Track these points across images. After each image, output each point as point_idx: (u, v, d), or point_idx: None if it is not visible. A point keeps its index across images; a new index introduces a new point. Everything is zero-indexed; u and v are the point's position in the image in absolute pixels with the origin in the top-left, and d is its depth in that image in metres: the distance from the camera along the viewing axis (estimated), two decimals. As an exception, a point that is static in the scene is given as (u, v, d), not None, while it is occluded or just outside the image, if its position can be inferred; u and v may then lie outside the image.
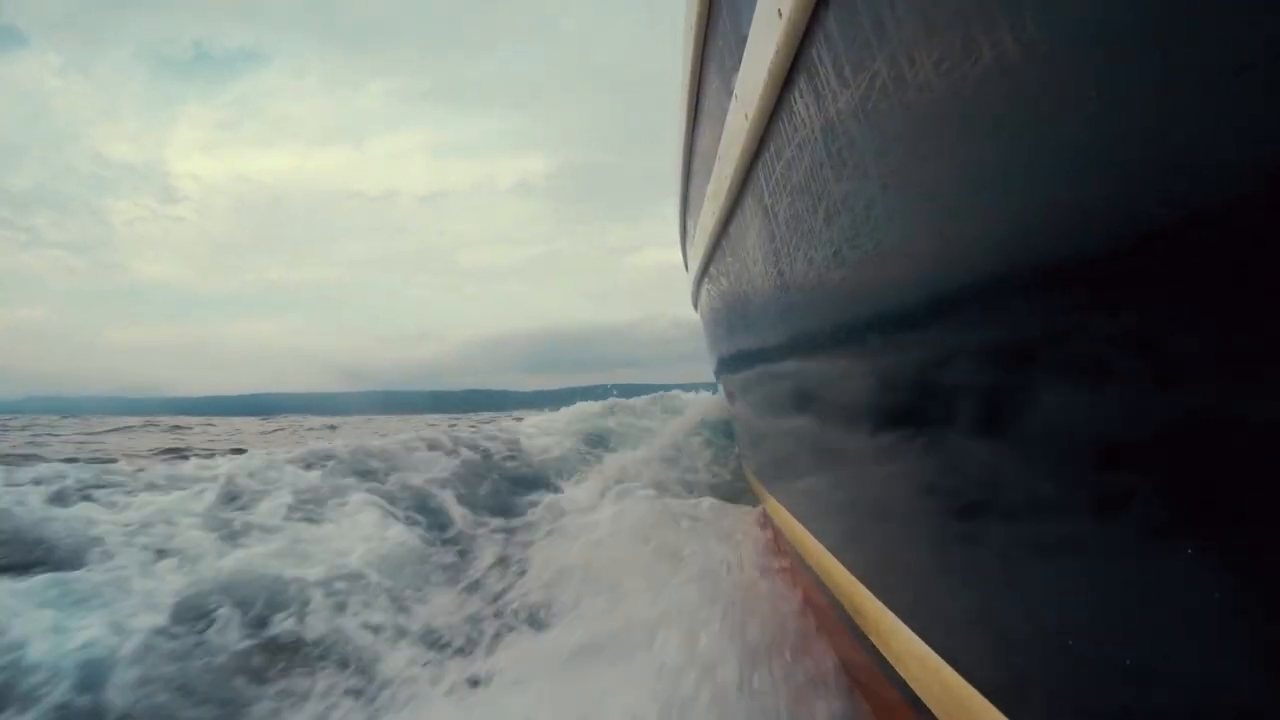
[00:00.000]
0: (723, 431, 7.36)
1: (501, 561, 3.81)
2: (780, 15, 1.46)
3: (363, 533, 3.76)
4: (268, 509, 4.01)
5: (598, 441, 7.94)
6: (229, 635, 2.59)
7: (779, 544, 3.43)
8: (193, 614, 2.66)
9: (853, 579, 2.11)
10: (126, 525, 3.46)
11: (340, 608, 2.90)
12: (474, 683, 2.50)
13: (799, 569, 2.92)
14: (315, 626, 2.75)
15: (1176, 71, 0.69)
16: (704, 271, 4.13)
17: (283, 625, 2.73)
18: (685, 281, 5.78)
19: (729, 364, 4.41)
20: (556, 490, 5.76)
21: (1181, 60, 0.68)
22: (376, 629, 2.82)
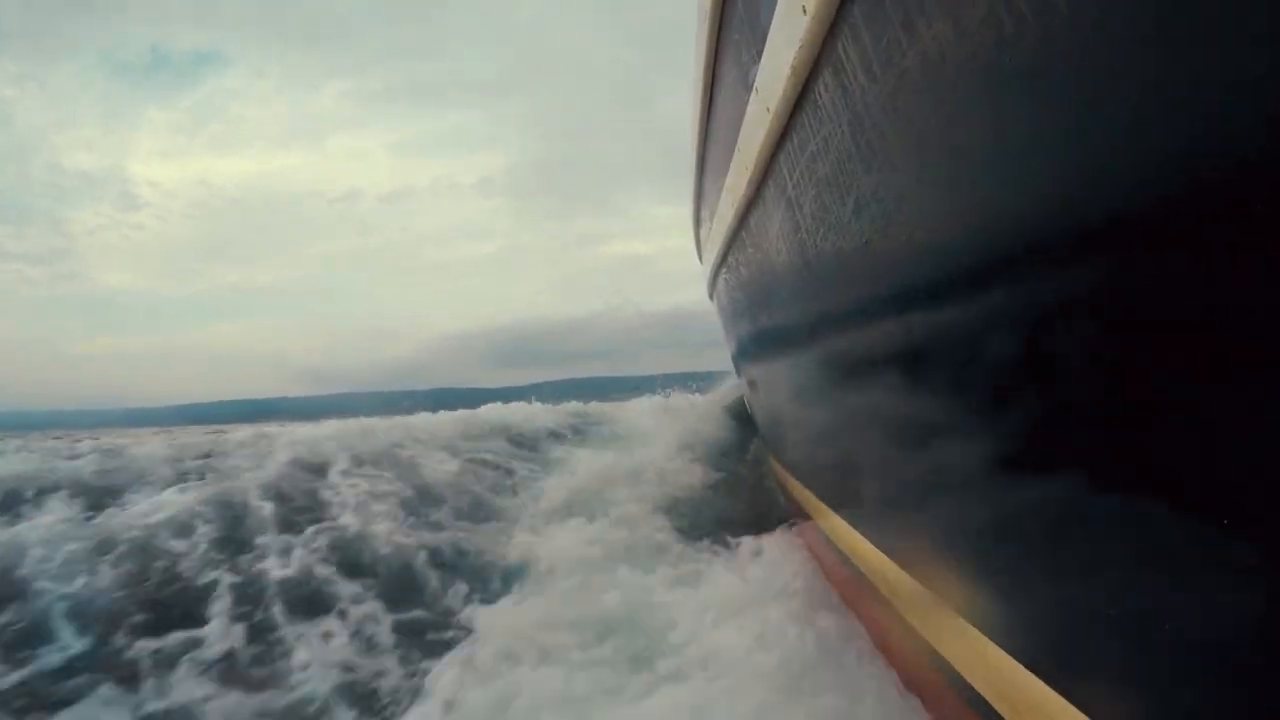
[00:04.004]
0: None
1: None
2: (805, 12, 1.48)
3: None
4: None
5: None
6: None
7: (805, 529, 3.47)
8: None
9: (888, 560, 2.14)
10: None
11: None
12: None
13: (820, 546, 2.96)
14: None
15: (1214, 64, 0.71)
16: (722, 261, 4.15)
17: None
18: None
19: (751, 352, 4.43)
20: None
21: (1221, 55, 0.70)
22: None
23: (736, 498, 4.94)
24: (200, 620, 2.75)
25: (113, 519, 3.37)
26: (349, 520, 3.71)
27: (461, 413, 7.21)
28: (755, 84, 2.10)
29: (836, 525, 2.71)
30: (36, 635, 2.56)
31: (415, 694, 2.46)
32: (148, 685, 2.39)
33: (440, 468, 4.95)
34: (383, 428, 5.70)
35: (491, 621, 2.91)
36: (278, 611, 2.87)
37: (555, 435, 7.04)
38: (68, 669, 2.43)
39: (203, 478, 4.11)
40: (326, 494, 4.06)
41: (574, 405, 8.79)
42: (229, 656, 2.59)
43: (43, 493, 3.61)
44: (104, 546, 3.08)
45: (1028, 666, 1.33)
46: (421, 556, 3.47)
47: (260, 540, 3.38)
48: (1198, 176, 0.75)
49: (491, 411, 7.55)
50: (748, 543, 3.72)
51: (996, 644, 1.43)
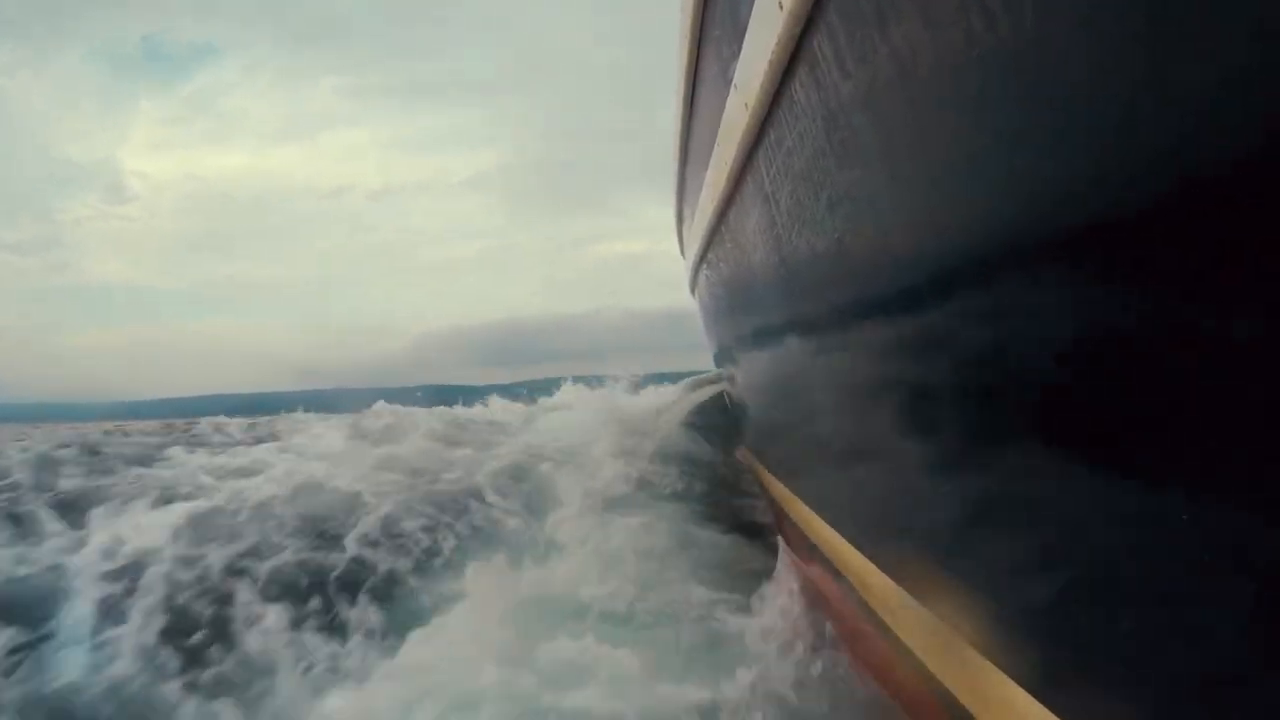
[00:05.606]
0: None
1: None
2: (781, 8, 1.49)
3: None
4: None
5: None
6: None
7: (780, 521, 3.49)
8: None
9: (864, 559, 2.14)
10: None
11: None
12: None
13: (800, 544, 2.97)
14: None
15: (1178, 61, 0.71)
16: (702, 258, 4.15)
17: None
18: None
19: (729, 347, 4.45)
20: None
21: (1182, 51, 0.70)
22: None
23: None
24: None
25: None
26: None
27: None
28: (734, 80, 2.10)
29: (817, 526, 2.70)
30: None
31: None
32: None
33: None
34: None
35: None
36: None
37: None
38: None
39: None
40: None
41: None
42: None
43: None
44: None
45: (1023, 685, 1.27)
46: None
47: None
48: (1175, 175, 0.75)
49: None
50: None
51: (986, 658, 1.37)
